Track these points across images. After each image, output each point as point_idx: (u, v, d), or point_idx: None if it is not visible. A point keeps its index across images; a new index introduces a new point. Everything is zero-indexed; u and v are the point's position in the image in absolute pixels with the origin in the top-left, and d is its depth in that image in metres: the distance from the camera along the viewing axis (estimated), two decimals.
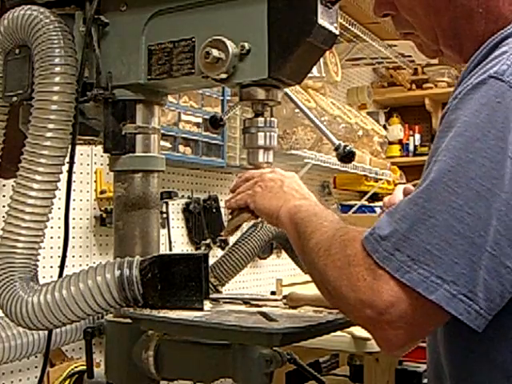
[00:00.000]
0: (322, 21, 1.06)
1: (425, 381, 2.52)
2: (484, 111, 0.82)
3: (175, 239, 2.74)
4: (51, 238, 2.02)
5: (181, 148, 2.54)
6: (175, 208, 2.80)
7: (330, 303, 0.93)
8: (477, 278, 0.79)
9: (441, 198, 0.80)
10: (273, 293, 2.44)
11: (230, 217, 1.21)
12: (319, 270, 0.90)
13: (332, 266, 0.87)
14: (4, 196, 1.99)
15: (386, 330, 0.82)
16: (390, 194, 4.08)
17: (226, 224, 3.04)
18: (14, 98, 1.27)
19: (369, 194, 4.00)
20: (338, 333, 1.34)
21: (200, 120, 2.62)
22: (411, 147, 4.96)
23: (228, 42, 1.08)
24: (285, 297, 1.24)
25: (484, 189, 0.79)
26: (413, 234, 0.81)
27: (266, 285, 3.26)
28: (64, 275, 1.18)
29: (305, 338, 1.03)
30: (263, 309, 1.18)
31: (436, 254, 0.79)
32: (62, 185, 1.22)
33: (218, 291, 2.55)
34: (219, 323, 1.01)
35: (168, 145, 2.47)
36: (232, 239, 2.93)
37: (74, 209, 2.28)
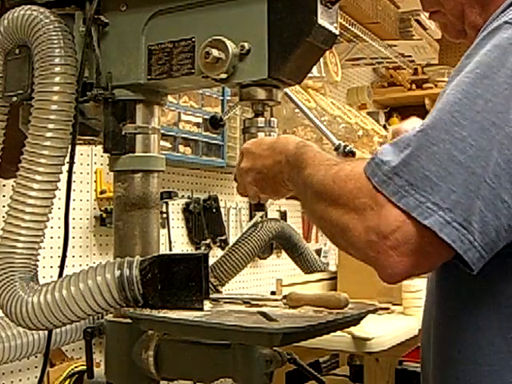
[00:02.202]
0: (322, 21, 1.06)
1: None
2: (496, 51, 0.83)
3: (175, 239, 2.74)
4: (51, 238, 2.02)
5: (181, 148, 2.54)
6: (175, 208, 2.80)
7: (339, 246, 0.94)
8: (473, 208, 0.79)
9: (445, 127, 0.81)
10: (273, 293, 2.44)
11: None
12: (320, 212, 0.90)
13: (334, 205, 0.87)
14: (4, 196, 1.99)
15: (390, 256, 0.82)
16: None
17: (225, 224, 3.05)
18: (14, 98, 1.27)
19: None
20: (338, 333, 1.34)
21: (200, 120, 2.62)
22: None
23: (228, 42, 1.08)
24: (285, 297, 1.23)
25: (489, 122, 0.80)
26: (413, 159, 0.81)
27: (266, 285, 3.26)
28: (64, 275, 1.18)
29: (305, 337, 1.03)
30: (263, 309, 1.18)
31: (434, 180, 0.79)
32: (62, 185, 1.22)
33: (218, 291, 2.55)
34: (219, 323, 1.01)
35: (168, 145, 2.47)
36: (232, 239, 2.93)
37: (73, 209, 2.28)
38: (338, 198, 0.87)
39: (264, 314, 1.06)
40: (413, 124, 1.27)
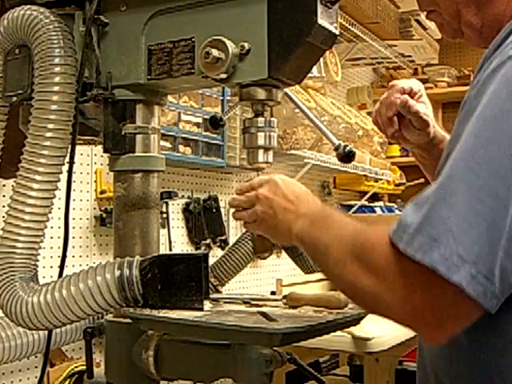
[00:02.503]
0: (322, 21, 1.06)
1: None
2: (504, 91, 0.82)
3: (175, 239, 2.74)
4: (51, 238, 2.02)
5: (181, 148, 2.54)
6: (175, 208, 2.80)
7: (369, 311, 0.94)
8: (495, 258, 0.78)
9: (461, 177, 0.80)
10: (273, 293, 2.44)
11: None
12: (349, 280, 0.90)
13: (365, 275, 0.87)
14: (4, 196, 1.99)
15: (427, 325, 0.82)
16: (390, 193, 4.08)
17: (225, 224, 3.05)
18: (14, 98, 1.27)
19: (369, 194, 4.00)
20: (338, 333, 1.34)
21: (200, 120, 2.62)
22: None
23: (228, 42, 1.08)
24: (285, 297, 1.24)
25: (503, 168, 0.79)
26: (433, 212, 0.80)
27: (266, 285, 3.26)
28: (64, 275, 1.18)
29: (305, 337, 1.03)
30: (263, 309, 1.18)
31: (457, 233, 0.78)
32: (62, 185, 1.22)
33: (218, 291, 2.55)
34: (219, 323, 1.01)
35: (168, 145, 2.47)
36: (232, 239, 2.93)
37: (73, 209, 2.28)
38: (369, 265, 0.87)
39: (264, 314, 1.06)
40: (410, 83, 1.28)
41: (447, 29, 1.09)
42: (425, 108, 1.27)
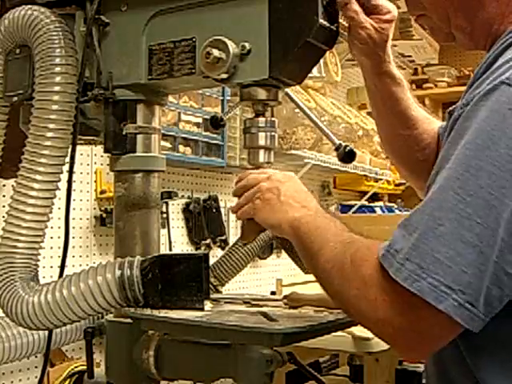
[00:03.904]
0: (323, 21, 1.06)
1: (424, 381, 2.52)
2: (495, 118, 0.81)
3: (175, 239, 2.74)
4: (51, 238, 2.02)
5: (181, 148, 2.54)
6: (175, 208, 2.80)
7: (351, 318, 0.96)
8: (482, 286, 0.79)
9: (450, 205, 0.81)
10: (273, 293, 2.44)
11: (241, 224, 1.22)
12: (335, 289, 0.92)
13: (348, 286, 0.89)
14: (4, 196, 1.99)
15: (408, 346, 0.86)
16: (390, 193, 4.09)
17: (225, 224, 3.04)
18: (15, 98, 1.27)
19: (369, 194, 4.01)
20: (338, 333, 1.34)
21: (200, 120, 2.62)
22: None
23: (229, 42, 1.08)
24: (285, 297, 1.24)
25: (493, 198, 0.79)
26: (422, 242, 0.81)
27: (265, 285, 3.26)
28: (64, 275, 1.18)
29: (306, 338, 1.03)
30: (264, 309, 1.18)
31: (445, 262, 0.79)
32: (63, 185, 1.22)
33: (218, 291, 2.55)
34: (220, 323, 1.02)
35: (168, 145, 2.47)
36: (232, 239, 2.93)
37: (74, 209, 2.28)
38: (354, 278, 0.88)
39: (265, 314, 1.06)
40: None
41: (438, 32, 1.09)
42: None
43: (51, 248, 2.09)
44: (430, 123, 1.30)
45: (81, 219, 2.35)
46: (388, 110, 1.27)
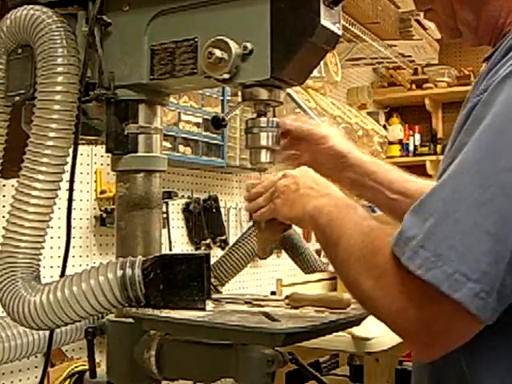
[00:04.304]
0: (325, 21, 1.06)
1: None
2: None
3: (175, 239, 2.74)
4: (51, 237, 2.02)
5: (181, 148, 2.54)
6: (175, 208, 2.80)
7: (367, 311, 0.93)
8: (498, 276, 0.77)
9: (467, 190, 0.78)
10: (273, 293, 2.45)
11: (256, 231, 1.19)
12: (351, 280, 0.89)
13: (365, 277, 0.86)
14: (4, 196, 1.99)
15: (423, 341, 0.82)
16: None
17: (225, 224, 3.04)
18: (17, 98, 1.27)
19: None
20: (339, 333, 1.34)
21: (200, 120, 2.63)
22: (411, 147, 4.96)
23: (231, 42, 1.08)
24: (287, 297, 1.24)
25: (511, 183, 0.77)
26: (438, 228, 0.78)
27: (266, 285, 3.26)
28: (65, 275, 1.18)
29: (308, 338, 1.03)
30: (265, 309, 1.18)
31: (461, 250, 0.77)
32: (64, 185, 1.22)
33: (218, 291, 2.55)
34: (222, 323, 1.02)
35: (168, 145, 2.47)
36: (232, 239, 2.93)
37: (74, 209, 2.27)
38: (370, 267, 0.86)
39: (266, 315, 1.06)
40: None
41: (444, 28, 1.08)
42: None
43: (51, 248, 2.09)
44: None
45: (81, 219, 2.35)
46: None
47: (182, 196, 2.81)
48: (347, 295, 1.16)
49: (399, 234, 0.82)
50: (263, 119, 1.15)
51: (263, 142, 1.16)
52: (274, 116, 1.19)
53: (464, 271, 0.76)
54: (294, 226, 1.18)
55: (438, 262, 0.77)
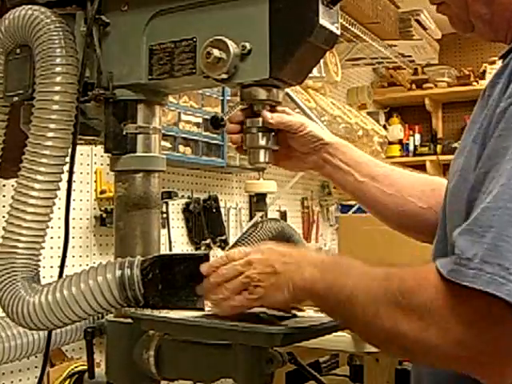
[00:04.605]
0: (324, 21, 1.06)
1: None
2: None
3: (175, 239, 2.75)
4: (51, 238, 2.01)
5: (181, 148, 2.54)
6: (175, 208, 2.80)
7: (411, 359, 0.88)
8: None
9: None
10: None
11: None
12: (388, 334, 0.83)
13: (406, 323, 0.80)
14: (4, 196, 1.99)
15: (494, 363, 0.76)
16: None
17: (225, 224, 3.04)
18: (15, 98, 1.27)
19: None
20: (338, 333, 1.34)
21: (200, 120, 2.63)
22: (411, 147, 4.97)
23: (229, 42, 1.08)
24: None
25: None
26: (500, 240, 0.73)
27: None
28: (64, 275, 1.18)
29: (306, 338, 1.03)
30: (264, 309, 1.18)
31: None
32: (63, 185, 1.22)
33: None
34: (220, 323, 1.01)
35: (168, 145, 2.47)
36: (232, 239, 2.93)
37: (74, 209, 2.28)
38: (410, 309, 0.80)
39: (265, 314, 1.06)
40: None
41: (457, 21, 1.06)
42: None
43: (51, 248, 2.09)
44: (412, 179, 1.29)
45: (81, 219, 2.35)
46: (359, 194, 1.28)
47: (182, 196, 2.81)
48: None
49: (456, 258, 0.77)
50: (261, 119, 1.15)
51: (262, 142, 1.16)
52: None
53: None
54: (294, 226, 1.18)
55: (509, 275, 0.72)
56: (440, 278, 0.78)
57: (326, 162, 1.27)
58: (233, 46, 1.07)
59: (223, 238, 2.98)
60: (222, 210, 3.00)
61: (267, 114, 1.15)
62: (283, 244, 1.03)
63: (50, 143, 1.17)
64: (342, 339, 1.83)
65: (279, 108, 1.19)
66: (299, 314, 1.14)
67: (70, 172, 1.22)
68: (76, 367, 2.15)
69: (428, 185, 1.28)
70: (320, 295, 0.91)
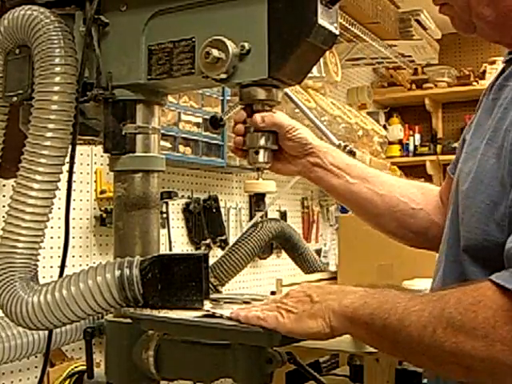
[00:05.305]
0: (322, 21, 1.06)
1: (425, 381, 2.52)
2: None
3: (175, 239, 2.74)
4: (51, 238, 2.02)
5: (181, 148, 2.54)
6: (175, 208, 2.80)
7: (473, 378, 0.84)
8: None
9: None
10: (273, 293, 2.45)
11: None
12: (448, 351, 0.81)
13: (470, 341, 0.79)
14: (4, 196, 1.99)
15: None
16: None
17: (225, 224, 3.04)
18: (14, 98, 1.27)
19: None
20: None
21: (200, 120, 2.62)
22: (411, 147, 4.96)
23: (228, 42, 1.08)
24: None
25: None
26: None
27: (266, 285, 3.26)
28: (64, 275, 1.18)
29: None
30: None
31: None
32: (62, 185, 1.22)
33: (218, 291, 2.55)
34: (219, 323, 1.01)
35: (168, 145, 2.47)
36: (232, 239, 2.93)
37: (74, 209, 2.28)
38: (471, 329, 0.79)
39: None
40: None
41: (458, 22, 1.06)
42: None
43: (51, 248, 2.09)
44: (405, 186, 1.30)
45: (81, 219, 2.35)
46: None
47: (182, 196, 2.81)
48: None
49: (507, 271, 0.79)
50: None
51: (261, 142, 1.17)
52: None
53: None
54: (294, 226, 1.18)
55: None
56: (499, 292, 0.79)
57: (315, 166, 1.27)
58: (232, 46, 1.07)
59: (223, 237, 2.98)
60: (222, 210, 3.00)
61: (258, 119, 1.15)
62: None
63: (48, 143, 1.17)
64: (342, 339, 1.81)
65: (267, 108, 1.20)
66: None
67: (70, 172, 1.22)
68: (76, 367, 2.15)
69: (418, 188, 1.30)
70: (363, 321, 0.89)
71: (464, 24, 1.05)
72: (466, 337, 0.79)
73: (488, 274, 0.83)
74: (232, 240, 2.89)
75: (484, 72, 4.63)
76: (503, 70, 1.02)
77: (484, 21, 1.01)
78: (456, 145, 3.85)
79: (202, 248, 2.89)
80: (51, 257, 2.11)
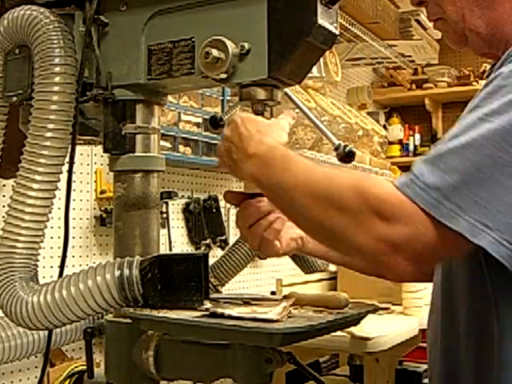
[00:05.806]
0: (322, 21, 1.06)
1: (425, 381, 2.52)
2: None
3: (175, 239, 2.74)
4: (51, 238, 2.02)
5: (181, 148, 2.54)
6: (175, 208, 2.80)
7: (335, 250, 1.01)
8: None
9: (490, 153, 0.85)
10: (273, 293, 2.45)
11: None
12: (316, 222, 0.94)
13: (336, 215, 0.90)
14: (4, 196, 1.99)
15: (404, 259, 0.87)
16: None
17: (225, 224, 3.04)
18: (14, 98, 1.27)
19: None
20: (338, 333, 1.34)
21: (200, 120, 2.62)
22: (411, 147, 4.96)
23: (228, 42, 1.08)
24: (285, 297, 1.23)
25: None
26: (463, 186, 0.85)
27: (266, 285, 3.26)
28: (64, 275, 1.18)
29: (305, 338, 1.03)
30: (264, 309, 1.18)
31: (483, 204, 0.84)
32: (62, 185, 1.22)
33: (218, 291, 2.55)
34: (219, 323, 1.01)
35: (168, 145, 2.47)
36: (232, 239, 2.93)
37: (73, 209, 2.28)
38: (341, 205, 0.90)
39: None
40: None
41: (452, 35, 1.10)
42: None
43: (51, 248, 2.09)
44: None
45: (81, 219, 2.35)
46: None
47: (182, 196, 2.80)
48: (345, 295, 1.16)
49: (412, 176, 0.88)
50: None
51: None
52: (272, 116, 1.19)
53: (485, 222, 0.84)
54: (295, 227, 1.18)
55: (462, 213, 0.84)
56: (389, 185, 0.90)
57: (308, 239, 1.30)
58: (231, 46, 1.08)
59: (223, 237, 2.98)
60: (222, 210, 3.00)
61: (278, 245, 1.23)
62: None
63: (48, 143, 1.17)
64: (342, 339, 1.82)
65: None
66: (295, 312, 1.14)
67: (70, 172, 1.22)
68: (76, 367, 2.14)
69: None
70: (263, 186, 1.03)
71: (457, 37, 1.09)
72: (333, 211, 0.91)
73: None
74: (232, 240, 2.89)
75: (484, 72, 4.62)
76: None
77: (475, 32, 1.05)
78: None
79: (202, 248, 2.89)
80: (51, 257, 2.11)
